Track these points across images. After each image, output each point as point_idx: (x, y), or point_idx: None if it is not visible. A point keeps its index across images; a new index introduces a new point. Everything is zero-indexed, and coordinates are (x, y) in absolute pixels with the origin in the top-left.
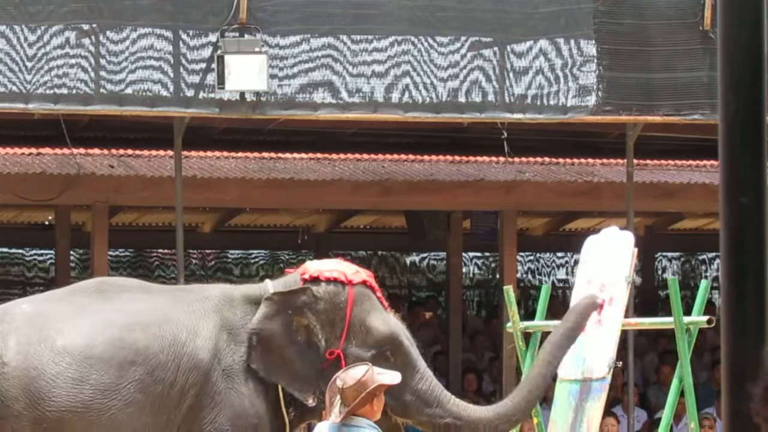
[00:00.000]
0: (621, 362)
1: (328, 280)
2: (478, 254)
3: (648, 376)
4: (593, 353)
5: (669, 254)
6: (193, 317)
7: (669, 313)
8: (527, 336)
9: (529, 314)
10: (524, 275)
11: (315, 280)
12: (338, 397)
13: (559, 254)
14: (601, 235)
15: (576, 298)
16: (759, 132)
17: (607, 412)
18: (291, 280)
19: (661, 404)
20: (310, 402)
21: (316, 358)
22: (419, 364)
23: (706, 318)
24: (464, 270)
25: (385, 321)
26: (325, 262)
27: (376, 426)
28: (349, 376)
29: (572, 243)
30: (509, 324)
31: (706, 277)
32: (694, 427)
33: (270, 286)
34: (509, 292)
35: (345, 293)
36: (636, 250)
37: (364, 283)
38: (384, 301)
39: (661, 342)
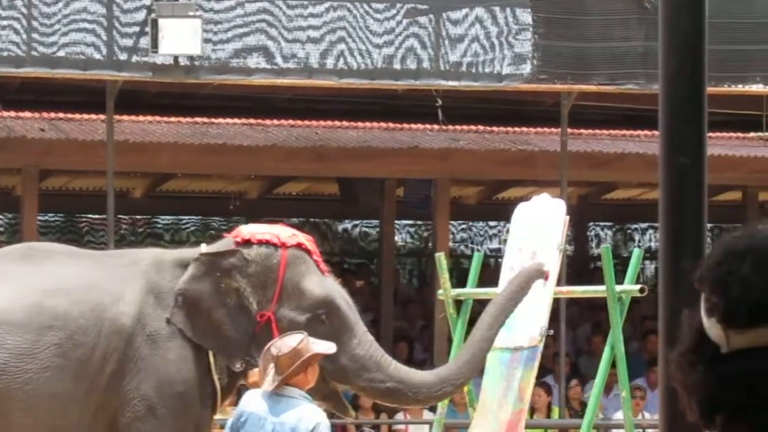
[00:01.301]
0: (552, 330)
1: (260, 243)
2: (411, 222)
3: (580, 345)
4: (524, 321)
5: (602, 224)
6: (119, 282)
7: (602, 284)
8: (458, 303)
9: (461, 284)
10: (456, 244)
11: (247, 242)
12: (272, 365)
13: (492, 223)
14: (531, 203)
15: (507, 265)
16: (699, 91)
17: (538, 382)
18: (224, 243)
19: (592, 374)
20: (237, 367)
21: (247, 321)
22: (357, 328)
23: (638, 287)
24: (397, 238)
25: (321, 284)
26: (259, 226)
27: (309, 396)
28: (284, 344)
29: (505, 212)
30: (441, 291)
31: (639, 247)
32: (625, 396)
33: (204, 249)
34: (441, 258)
35: (277, 255)
36: (567, 217)
37: (299, 245)
38: (322, 265)
39: (598, 313)
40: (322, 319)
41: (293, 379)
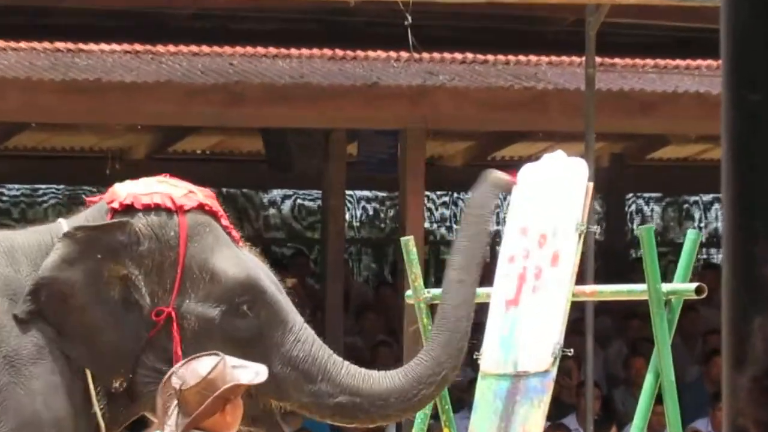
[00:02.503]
0: (573, 350)
1: (148, 208)
2: (369, 194)
3: (614, 372)
4: (530, 336)
5: (646, 195)
6: None
7: (643, 281)
8: (435, 309)
9: (440, 282)
10: (435, 224)
11: (129, 209)
12: (175, 402)
13: None
14: (540, 165)
15: (504, 255)
16: None
17: (556, 425)
18: (96, 212)
19: (631, 412)
20: (115, 386)
21: (139, 322)
22: (293, 319)
23: (694, 285)
24: (348, 216)
25: (237, 260)
26: (141, 184)
27: None
28: (191, 371)
29: None
30: (409, 292)
31: (699, 228)
32: None
33: (65, 225)
34: (409, 245)
35: (173, 225)
36: (591, 184)
37: (201, 207)
38: (233, 231)
39: (632, 324)
40: (244, 310)
41: (207, 422)
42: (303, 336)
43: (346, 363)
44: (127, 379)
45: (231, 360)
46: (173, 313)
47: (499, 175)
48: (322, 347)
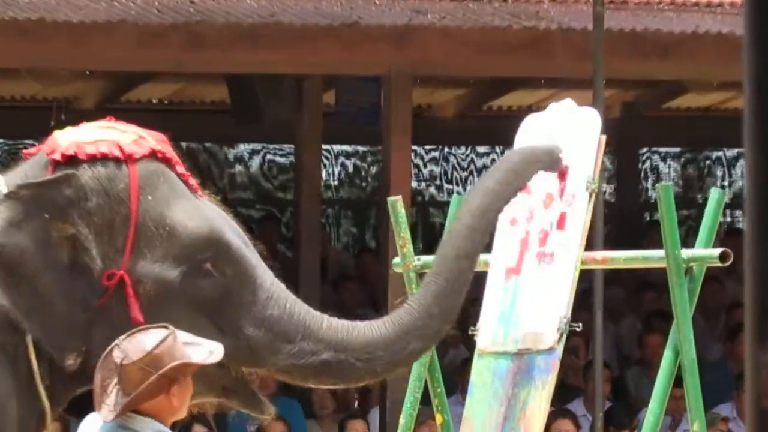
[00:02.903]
0: (581, 325)
1: (94, 158)
2: (348, 148)
3: (626, 350)
4: (534, 309)
5: (662, 150)
6: None
7: (658, 246)
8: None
9: (430, 248)
10: (423, 183)
11: (72, 160)
12: (115, 379)
13: (482, 149)
14: (545, 115)
15: (504, 218)
16: None
17: (561, 410)
18: (35, 166)
19: (645, 396)
20: (69, 363)
21: (88, 288)
22: (263, 275)
23: (718, 251)
24: (324, 174)
25: (197, 212)
26: (84, 130)
27: None
28: (135, 344)
29: (504, 130)
30: (397, 260)
31: (722, 187)
32: (698, 429)
33: (2, 182)
34: (397, 206)
35: (123, 176)
36: (604, 138)
37: (153, 154)
38: (191, 180)
39: (646, 297)
40: (207, 269)
41: (147, 404)
42: (275, 293)
43: (326, 316)
44: (82, 355)
45: (183, 336)
46: (126, 277)
47: (558, 151)
48: (297, 302)
